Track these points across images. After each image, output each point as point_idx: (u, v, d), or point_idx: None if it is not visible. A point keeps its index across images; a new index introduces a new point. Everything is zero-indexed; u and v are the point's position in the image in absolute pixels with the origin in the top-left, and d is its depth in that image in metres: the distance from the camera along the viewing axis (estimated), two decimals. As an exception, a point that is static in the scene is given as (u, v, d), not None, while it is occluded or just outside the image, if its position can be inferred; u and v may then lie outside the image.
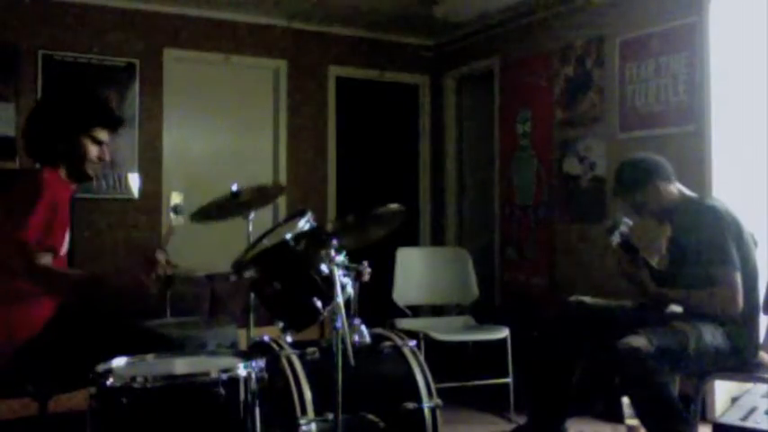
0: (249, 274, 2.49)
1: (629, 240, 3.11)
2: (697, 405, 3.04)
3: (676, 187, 3.13)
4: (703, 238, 2.92)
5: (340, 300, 2.24)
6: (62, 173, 2.58)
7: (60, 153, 2.56)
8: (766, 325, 3.05)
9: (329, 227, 2.35)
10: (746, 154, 3.99)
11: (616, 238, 3.09)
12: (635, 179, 3.11)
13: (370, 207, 2.37)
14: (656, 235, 3.31)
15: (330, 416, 2.31)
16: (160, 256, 2.48)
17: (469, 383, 4.14)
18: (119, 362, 2.11)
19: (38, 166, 2.61)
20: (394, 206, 2.45)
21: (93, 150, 2.60)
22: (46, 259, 2.42)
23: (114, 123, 2.70)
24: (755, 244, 3.05)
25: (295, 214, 2.65)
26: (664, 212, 3.12)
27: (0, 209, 2.50)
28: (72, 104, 2.62)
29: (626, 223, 3.11)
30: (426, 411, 2.59)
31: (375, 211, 2.41)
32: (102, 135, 2.62)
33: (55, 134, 2.55)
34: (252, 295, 3.03)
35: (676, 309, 3.08)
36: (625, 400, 3.59)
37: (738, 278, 2.86)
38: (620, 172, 3.22)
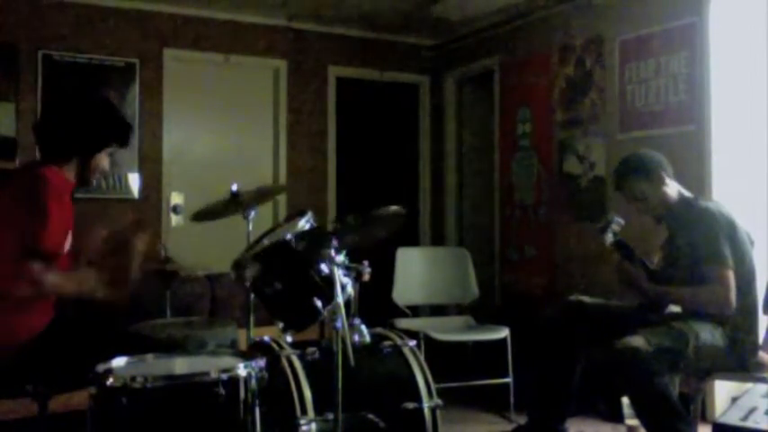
0: (251, 271, 2.48)
1: (621, 239, 3.11)
2: (697, 405, 3.04)
3: (676, 186, 3.13)
4: (696, 238, 2.93)
5: (340, 300, 2.24)
6: (68, 173, 2.58)
7: (74, 162, 2.57)
8: (766, 325, 3.06)
9: (330, 227, 2.35)
10: (746, 154, 4.00)
11: (609, 238, 3.10)
12: (642, 167, 3.10)
13: (370, 208, 2.38)
14: (653, 235, 3.32)
15: (330, 416, 2.30)
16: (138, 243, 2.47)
17: (469, 383, 4.15)
18: (119, 362, 2.11)
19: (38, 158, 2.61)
20: (394, 208, 2.45)
21: (103, 162, 2.64)
22: (38, 266, 2.34)
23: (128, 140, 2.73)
24: (752, 243, 3.05)
25: (295, 214, 2.65)
26: (662, 210, 3.12)
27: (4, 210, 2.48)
28: (107, 118, 2.63)
29: (618, 222, 3.11)
30: (426, 411, 2.59)
31: (375, 213, 2.41)
32: (113, 148, 2.67)
33: (81, 141, 2.56)
34: (252, 295, 3.03)
35: (676, 309, 3.08)
36: (625, 400, 3.60)
37: (732, 277, 2.86)
38: (628, 159, 3.19)
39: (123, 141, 2.68)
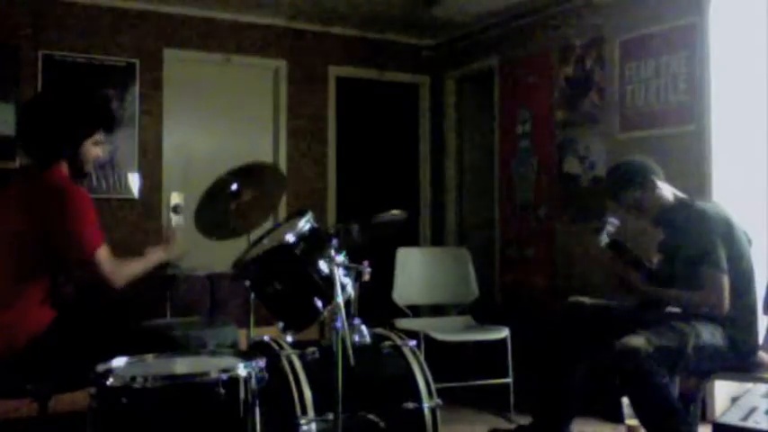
0: (249, 280, 2.48)
1: (617, 239, 3.11)
2: (697, 405, 3.04)
3: (669, 188, 3.13)
4: (691, 240, 2.93)
5: (340, 300, 2.24)
6: (64, 170, 2.59)
7: (63, 155, 2.56)
8: (766, 325, 3.06)
9: (333, 230, 2.35)
10: (746, 154, 4.00)
11: (604, 239, 3.09)
12: (632, 176, 3.10)
13: (370, 208, 2.38)
14: (650, 236, 3.32)
15: (330, 416, 2.31)
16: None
17: (469, 383, 4.15)
18: (119, 362, 2.11)
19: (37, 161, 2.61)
20: (396, 212, 2.46)
21: (94, 152, 2.63)
22: (104, 255, 2.46)
23: (113, 125, 2.74)
24: (749, 242, 3.05)
25: (295, 214, 2.65)
26: (658, 213, 3.12)
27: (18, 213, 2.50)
28: (76, 108, 2.62)
29: (612, 223, 3.10)
30: (426, 411, 2.59)
31: (377, 218, 2.41)
32: (101, 136, 2.65)
33: (59, 137, 2.56)
34: (252, 295, 3.03)
35: (675, 308, 3.08)
36: (625, 400, 3.60)
37: (725, 281, 2.86)
38: (616, 171, 3.21)
39: (103, 125, 2.65)
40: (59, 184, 2.50)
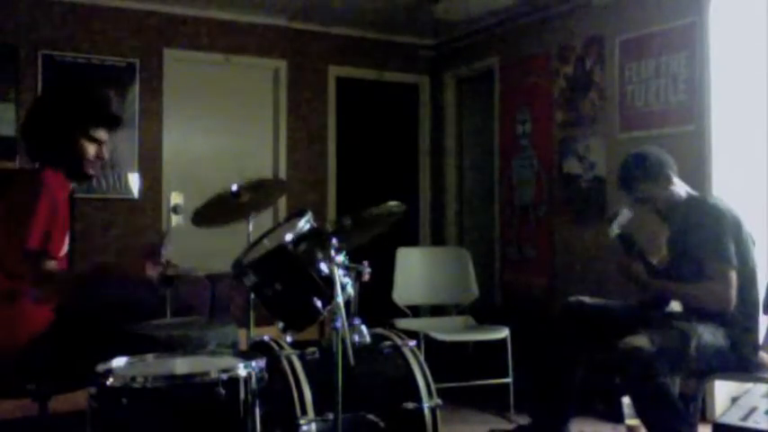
0: (249, 281, 2.48)
1: (626, 233, 3.10)
2: (697, 405, 3.04)
3: (681, 184, 3.12)
4: (702, 235, 2.92)
5: (340, 300, 2.24)
6: (62, 173, 2.57)
7: (59, 154, 2.54)
8: (766, 325, 3.05)
9: (329, 227, 2.35)
10: (746, 154, 4.00)
11: (614, 229, 3.06)
12: (648, 169, 3.06)
13: (367, 207, 2.38)
14: (657, 232, 3.31)
15: (330, 416, 2.30)
16: (164, 251, 2.49)
17: (469, 383, 4.15)
18: (119, 362, 2.11)
19: (37, 165, 2.60)
20: (392, 204, 2.45)
21: (90, 150, 2.58)
22: (51, 265, 2.41)
23: (112, 122, 2.65)
24: (753, 243, 3.05)
25: (295, 214, 2.65)
26: (669, 208, 3.10)
27: (1, 211, 2.49)
28: (69, 104, 2.57)
29: (626, 214, 3.08)
30: (426, 411, 2.58)
31: (371, 212, 2.41)
32: (101, 134, 2.60)
33: (52, 134, 2.53)
34: (252, 295, 3.03)
35: (677, 308, 3.08)
36: (625, 400, 3.60)
37: (733, 275, 2.85)
38: (633, 161, 3.14)
39: (103, 122, 2.58)
40: (45, 184, 2.45)
